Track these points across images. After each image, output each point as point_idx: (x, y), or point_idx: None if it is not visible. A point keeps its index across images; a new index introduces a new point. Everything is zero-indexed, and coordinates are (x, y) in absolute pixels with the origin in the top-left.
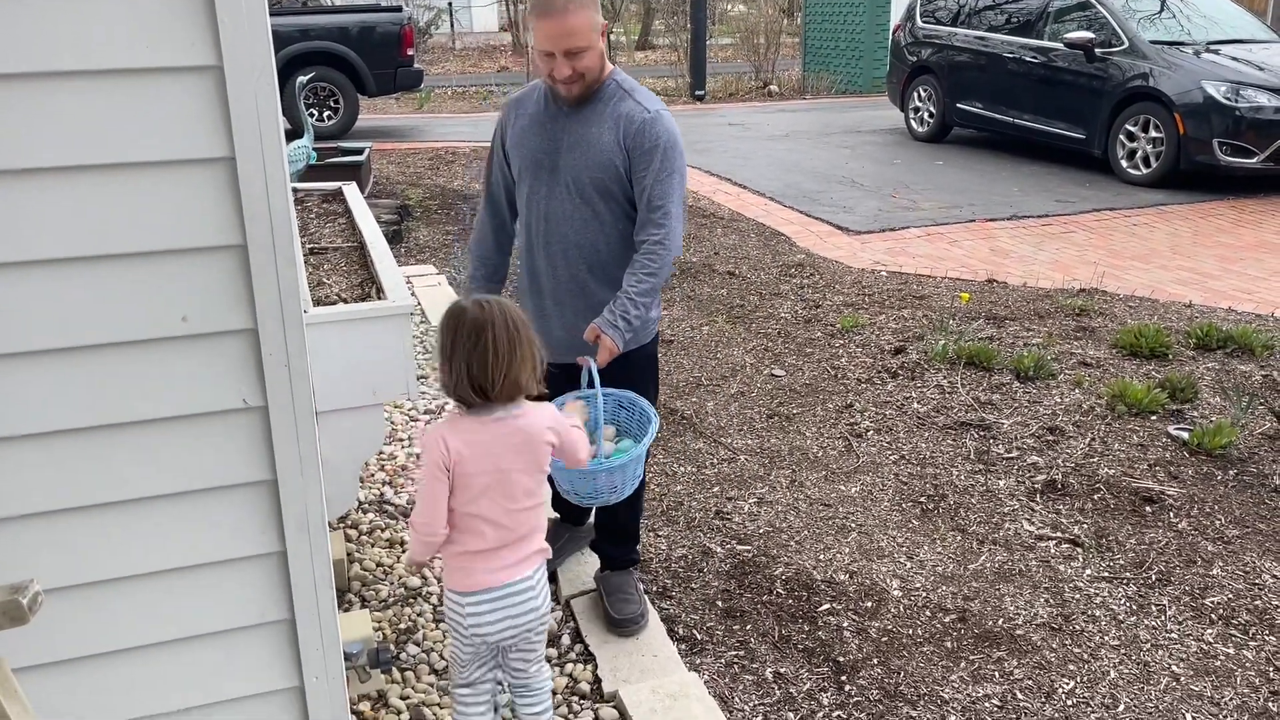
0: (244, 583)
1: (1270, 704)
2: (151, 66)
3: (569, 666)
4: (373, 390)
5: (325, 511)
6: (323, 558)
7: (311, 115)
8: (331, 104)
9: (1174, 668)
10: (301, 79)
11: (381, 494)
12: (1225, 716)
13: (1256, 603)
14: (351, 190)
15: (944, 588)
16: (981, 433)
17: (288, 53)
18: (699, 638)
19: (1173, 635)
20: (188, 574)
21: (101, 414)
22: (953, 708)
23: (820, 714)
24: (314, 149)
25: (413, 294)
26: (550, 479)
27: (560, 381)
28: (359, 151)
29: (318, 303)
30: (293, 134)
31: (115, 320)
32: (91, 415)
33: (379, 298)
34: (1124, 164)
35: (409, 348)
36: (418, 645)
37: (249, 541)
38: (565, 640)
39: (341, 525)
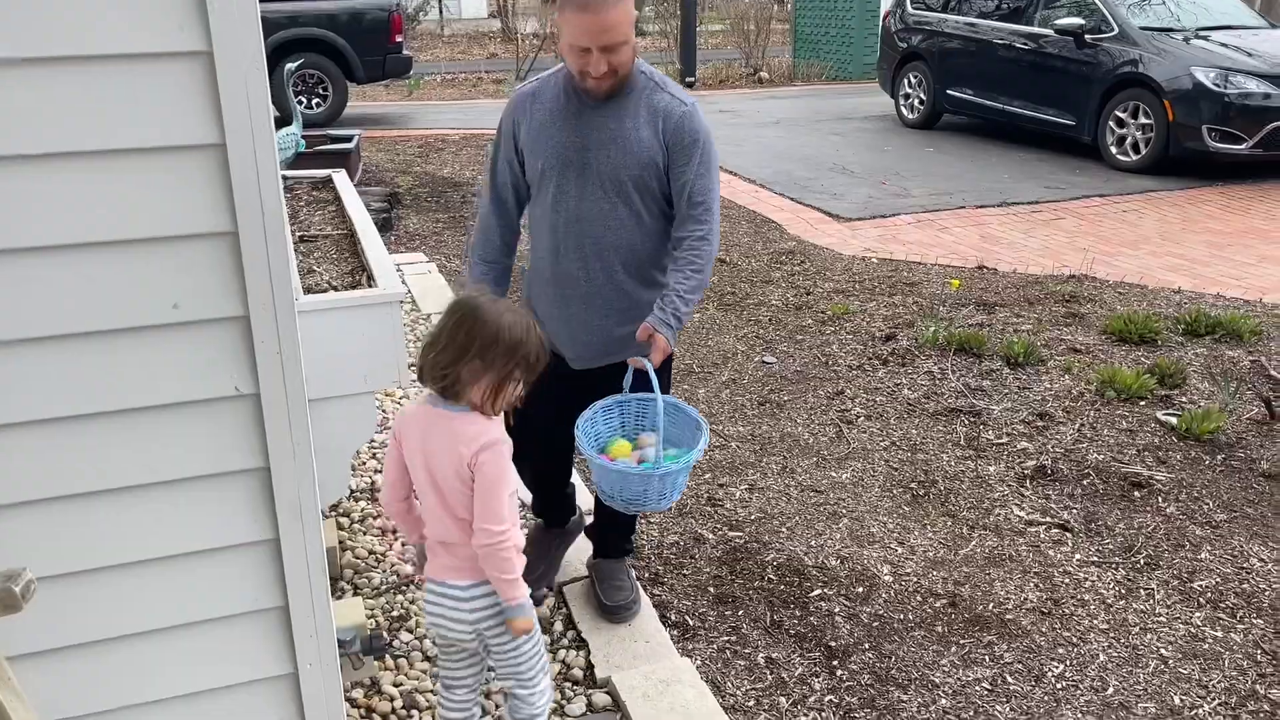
0: (237, 570)
1: (1258, 686)
2: (141, 52)
3: (561, 653)
4: (364, 377)
5: (318, 499)
6: (316, 545)
7: (300, 103)
8: (320, 91)
9: (1162, 651)
10: (290, 66)
11: (373, 481)
12: (1213, 699)
13: (1244, 586)
14: (341, 178)
15: (934, 573)
16: (972, 419)
17: (276, 39)
18: (691, 623)
19: (1161, 619)
20: (180, 562)
21: (93, 402)
22: (943, 691)
23: (812, 698)
24: (303, 136)
25: (403, 281)
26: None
27: (576, 387)
28: (348, 139)
29: (308, 290)
30: (281, 121)
31: (106, 308)
32: (83, 404)
33: (369, 285)
34: (1113, 150)
35: (400, 335)
36: (410, 632)
37: (242, 529)
38: (558, 627)
39: (333, 513)
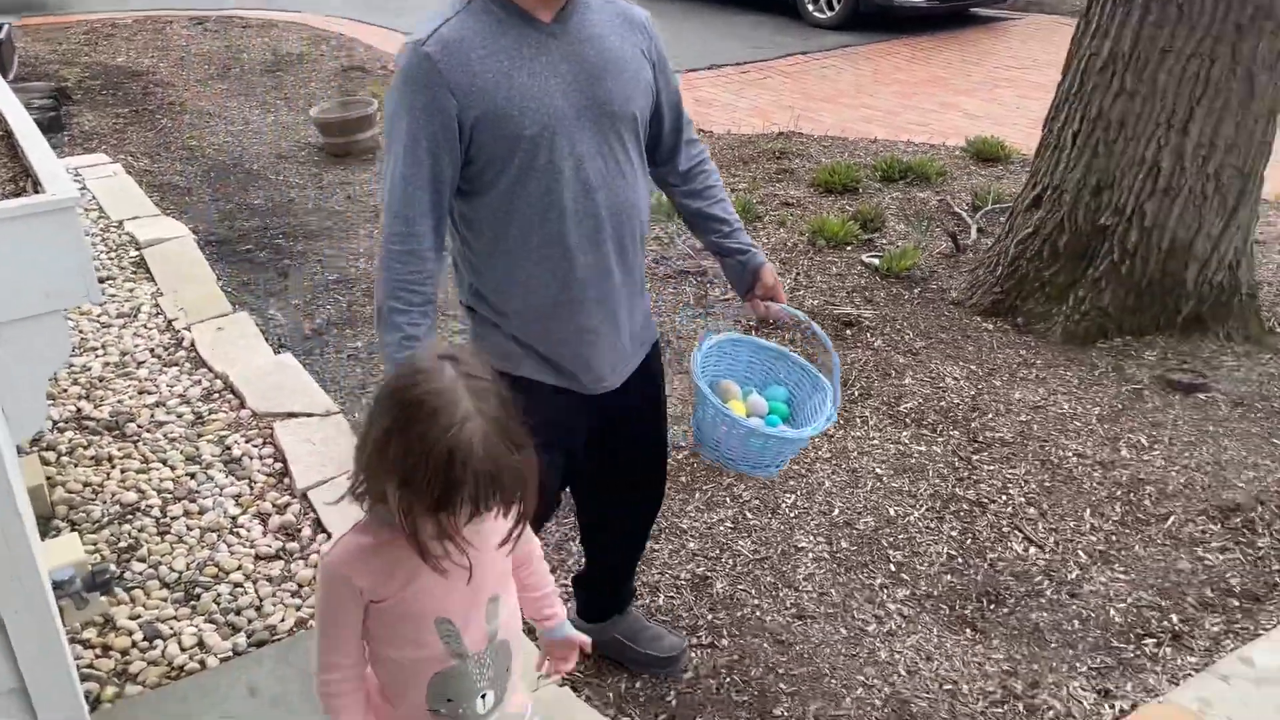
0: None
1: (957, 489)
2: None
3: None
4: (45, 295)
5: (7, 433)
6: (2, 484)
7: None
8: None
9: (877, 470)
10: None
11: (79, 409)
12: (921, 505)
13: (941, 404)
14: None
15: (675, 428)
16: (699, 279)
17: None
18: None
19: (875, 442)
20: None
21: None
22: (691, 535)
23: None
24: None
25: (83, 187)
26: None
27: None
28: None
29: None
30: None
31: None
32: None
33: (35, 192)
34: (810, 8)
35: (83, 245)
36: (143, 561)
37: None
38: None
39: (35, 448)
